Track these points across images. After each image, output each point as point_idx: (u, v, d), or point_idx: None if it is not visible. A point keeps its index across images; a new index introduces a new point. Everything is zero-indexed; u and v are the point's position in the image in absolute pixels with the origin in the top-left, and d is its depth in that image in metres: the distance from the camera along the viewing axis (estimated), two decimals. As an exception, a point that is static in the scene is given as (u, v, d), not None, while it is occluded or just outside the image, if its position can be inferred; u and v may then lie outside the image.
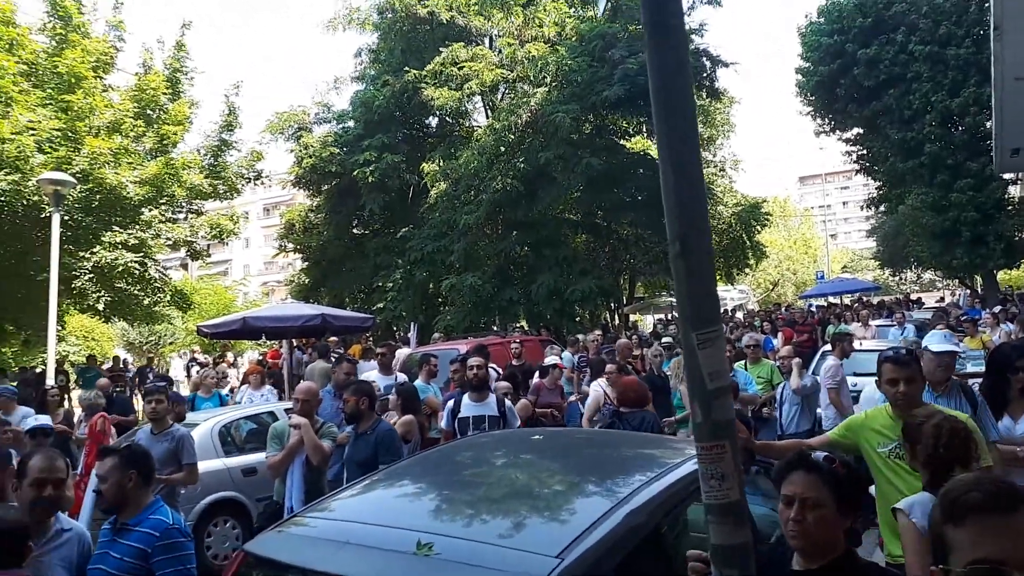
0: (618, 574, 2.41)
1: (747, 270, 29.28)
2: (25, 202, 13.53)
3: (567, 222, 22.48)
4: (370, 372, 8.45)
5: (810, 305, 27.97)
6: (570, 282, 18.96)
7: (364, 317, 15.47)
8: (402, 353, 12.16)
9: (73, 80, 15.06)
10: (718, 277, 28.15)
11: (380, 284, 22.03)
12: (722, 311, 28.43)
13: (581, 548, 2.40)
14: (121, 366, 19.98)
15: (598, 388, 7.35)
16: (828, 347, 9.63)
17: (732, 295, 37.64)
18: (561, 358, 10.17)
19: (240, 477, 7.84)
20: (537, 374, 8.72)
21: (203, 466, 7.19)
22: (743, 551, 1.25)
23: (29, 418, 6.23)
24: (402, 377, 8.56)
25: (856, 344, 9.66)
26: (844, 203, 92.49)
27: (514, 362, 9.75)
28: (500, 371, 8.76)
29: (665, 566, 2.78)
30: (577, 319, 20.99)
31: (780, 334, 13.54)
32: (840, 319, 16.31)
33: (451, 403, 6.36)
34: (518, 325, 21.79)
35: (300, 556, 2.68)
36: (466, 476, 3.63)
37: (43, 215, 13.06)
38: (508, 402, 6.37)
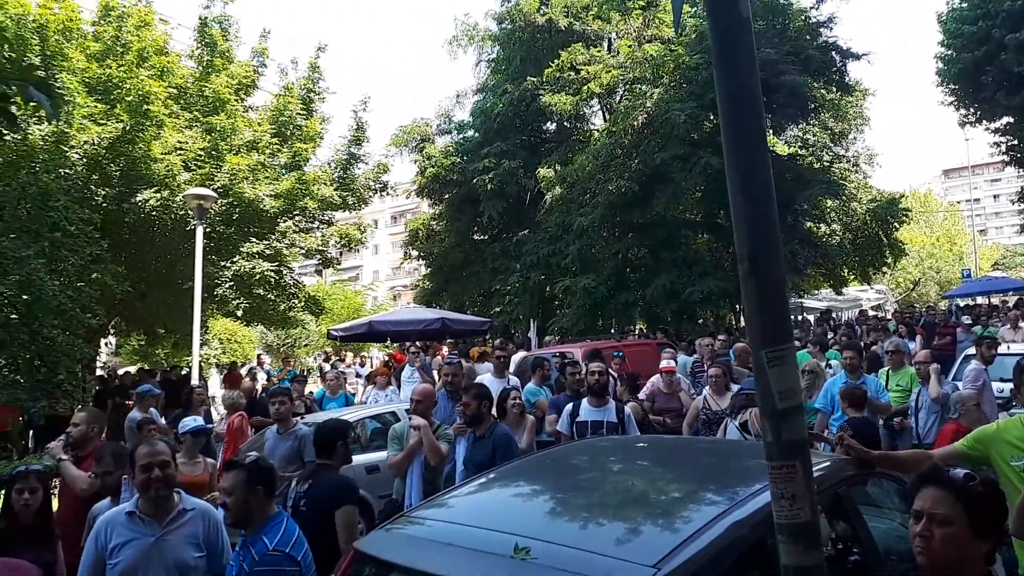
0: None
1: (885, 269, 27.69)
2: (173, 216, 14.64)
3: (687, 223, 22.08)
4: (484, 375, 8.61)
5: (953, 305, 26.07)
6: (689, 283, 18.58)
7: (482, 321, 15.81)
8: (518, 356, 12.33)
9: (217, 103, 16.22)
10: (853, 277, 26.78)
11: (498, 288, 22.42)
12: (857, 312, 27.14)
13: (679, 559, 2.36)
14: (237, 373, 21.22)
15: (704, 393, 7.21)
16: (971, 350, 9.00)
17: (869, 295, 35.61)
18: (676, 361, 10.01)
19: (364, 475, 8.18)
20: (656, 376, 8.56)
21: (329, 464, 7.59)
22: (815, 573, 1.23)
23: (187, 419, 6.79)
24: (514, 380, 8.67)
25: (1004, 348, 8.96)
26: (995, 196, 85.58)
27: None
28: (614, 374, 8.73)
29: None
30: (700, 321, 20.54)
31: (917, 337, 12.73)
32: (987, 320, 15.08)
33: (570, 406, 6.41)
34: (635, 327, 21.56)
35: (404, 555, 2.80)
36: (571, 481, 3.66)
37: (188, 228, 14.07)
38: (628, 409, 6.36)
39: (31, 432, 13.28)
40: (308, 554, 3.35)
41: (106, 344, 20.44)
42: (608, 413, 6.12)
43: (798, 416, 1.26)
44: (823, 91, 21.56)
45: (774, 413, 1.23)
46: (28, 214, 9.53)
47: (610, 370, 9.61)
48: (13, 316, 9.14)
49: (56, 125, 12.43)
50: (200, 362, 13.38)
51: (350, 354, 21.44)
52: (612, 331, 19.90)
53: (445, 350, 16.11)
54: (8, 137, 9.27)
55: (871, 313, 28.06)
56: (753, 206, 1.27)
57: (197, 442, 6.00)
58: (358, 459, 8.27)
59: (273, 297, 17.04)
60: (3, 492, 4.20)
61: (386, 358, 20.13)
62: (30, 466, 4.70)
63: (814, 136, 25.77)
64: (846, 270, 25.18)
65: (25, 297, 9.12)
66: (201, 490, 4.98)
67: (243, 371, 15.29)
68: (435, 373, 12.89)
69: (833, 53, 20.90)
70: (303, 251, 18.24)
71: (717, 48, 1.30)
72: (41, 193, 9.71)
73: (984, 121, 25.58)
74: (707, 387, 7.14)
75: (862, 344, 10.90)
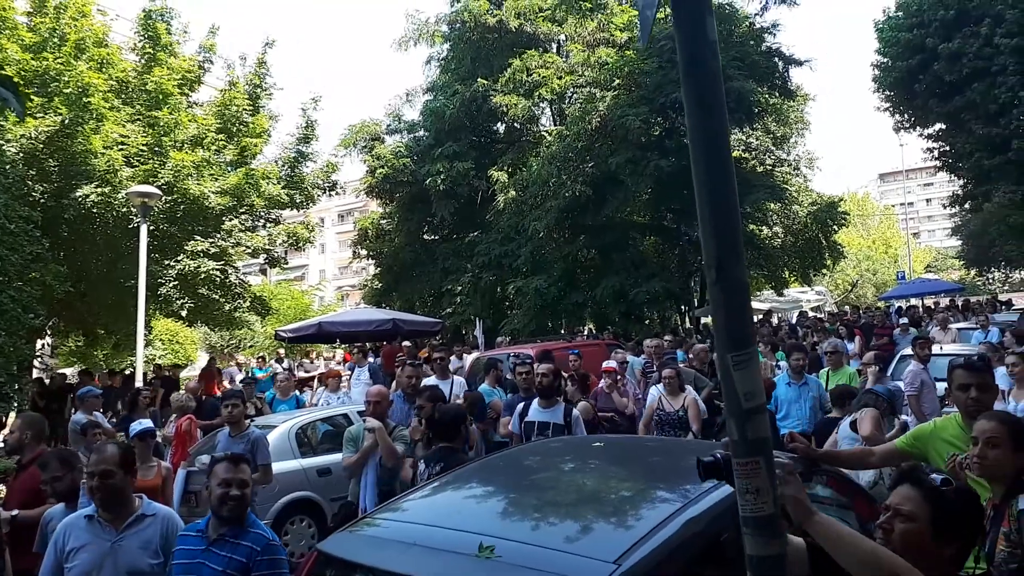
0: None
1: (824, 271, 28.51)
2: (115, 213, 14.28)
3: (635, 225, 22.40)
4: (428, 377, 8.62)
5: (891, 307, 27.02)
6: (636, 284, 18.88)
7: (433, 321, 15.80)
8: (470, 357, 12.38)
9: (160, 97, 15.86)
10: (793, 279, 27.51)
11: (449, 288, 22.42)
12: (798, 313, 27.83)
13: (639, 554, 2.44)
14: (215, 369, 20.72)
15: (654, 394, 7.33)
16: (907, 351, 9.36)
17: (809, 296, 36.61)
18: (628, 362, 10.18)
19: (316, 477, 8.13)
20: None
21: (280, 467, 7.52)
22: (777, 562, 1.33)
23: (134, 423, 6.67)
24: (459, 380, 8.71)
25: (936, 348, 9.34)
26: (927, 200, 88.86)
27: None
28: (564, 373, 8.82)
29: (727, 574, 2.81)
30: (646, 321, 20.87)
31: (856, 338, 13.17)
32: (922, 322, 15.69)
33: (520, 406, 6.47)
34: (584, 328, 21.80)
35: (369, 556, 2.82)
36: (529, 480, 3.72)
37: (131, 225, 13.75)
38: (576, 411, 6.45)
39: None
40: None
41: (43, 346, 19.76)
42: (556, 414, 6.20)
43: (761, 415, 1.34)
44: (767, 96, 22.12)
45: (740, 413, 1.32)
46: (-38, 211, 9.21)
47: (562, 372, 9.74)
48: (-53, 317, 8.83)
49: (-10, 120, 12.02)
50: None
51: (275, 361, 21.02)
52: (562, 332, 20.10)
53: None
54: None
55: (811, 314, 28.89)
56: (720, 216, 1.35)
57: (147, 445, 5.90)
58: (309, 462, 8.24)
59: (218, 297, 16.79)
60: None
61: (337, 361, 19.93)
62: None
63: (757, 140, 26.40)
64: (787, 272, 25.83)
65: (-40, 297, 8.81)
66: (153, 494, 4.88)
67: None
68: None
69: (776, 59, 21.43)
70: (249, 250, 17.99)
71: (685, 68, 1.37)
72: (-24, 190, 9.40)
73: (918, 127, 26.42)
74: (660, 388, 7.22)
75: (805, 345, 11.23)
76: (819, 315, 26.06)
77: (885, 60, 24.43)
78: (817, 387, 7.65)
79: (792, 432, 3.71)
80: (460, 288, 21.73)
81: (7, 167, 11.63)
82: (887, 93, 25.39)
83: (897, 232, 57.32)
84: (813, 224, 24.49)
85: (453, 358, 12.80)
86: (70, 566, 3.39)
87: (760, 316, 27.19)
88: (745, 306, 1.36)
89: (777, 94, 22.60)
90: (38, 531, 4.19)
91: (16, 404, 9.14)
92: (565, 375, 8.96)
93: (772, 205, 22.54)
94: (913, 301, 26.34)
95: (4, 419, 10.68)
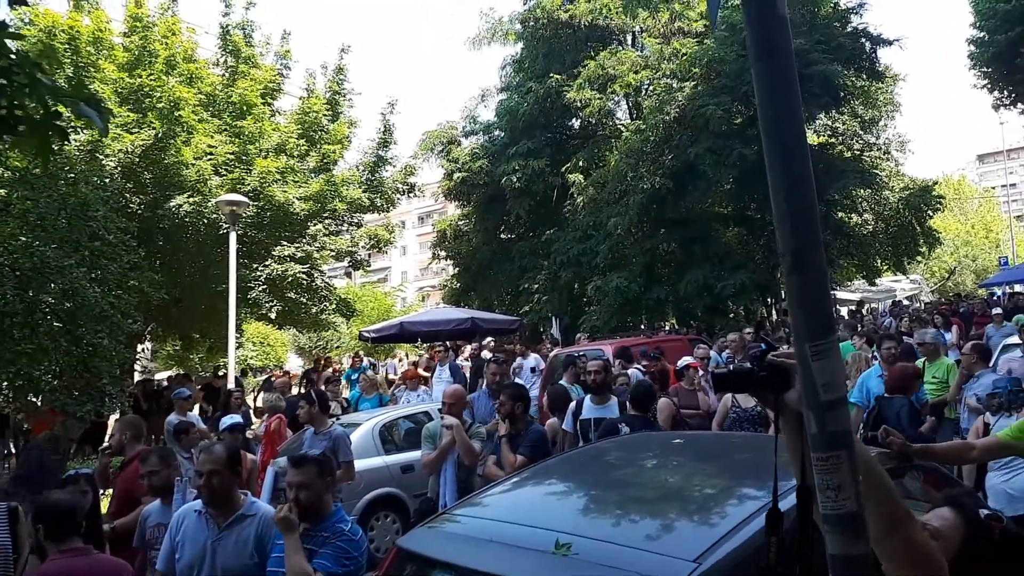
0: (758, 580, 2.38)
1: (919, 258, 27.22)
2: (206, 221, 14.88)
3: (717, 216, 21.90)
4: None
5: (993, 295, 25.52)
6: (721, 277, 18.44)
7: (511, 319, 15.84)
8: (551, 353, 12.35)
9: (244, 108, 16.46)
10: (886, 267, 26.36)
11: (526, 286, 22.45)
12: (892, 303, 26.66)
13: (720, 553, 2.38)
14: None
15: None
16: (1013, 339, 8.83)
17: (903, 285, 35.04)
18: (710, 357, 9.94)
19: (399, 474, 8.27)
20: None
21: (365, 463, 7.69)
22: (861, 561, 1.25)
23: (225, 418, 7.00)
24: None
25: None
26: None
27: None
28: (642, 370, 8.71)
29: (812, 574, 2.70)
30: (731, 315, 20.38)
31: (954, 328, 12.50)
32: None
33: (573, 404, 6.41)
34: (666, 323, 21.45)
35: (446, 552, 2.84)
36: (608, 477, 3.68)
37: (220, 232, 14.29)
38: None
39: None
40: (366, 552, 3.43)
41: (143, 350, 20.81)
42: (611, 410, 6.12)
43: (842, 408, 1.27)
44: (853, 79, 21.26)
45: (818, 405, 1.25)
46: (68, 224, 9.76)
47: (638, 368, 9.59)
48: (56, 324, 9.37)
49: (91, 135, 12.71)
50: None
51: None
52: (643, 328, 19.84)
53: (468, 349, 16.18)
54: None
55: (905, 303, 27.63)
56: (794, 200, 1.28)
57: (235, 439, 6.12)
58: (393, 459, 8.40)
59: (305, 300, 17.26)
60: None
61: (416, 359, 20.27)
62: (79, 470, 4.85)
63: (844, 124, 25.37)
64: (879, 260, 24.78)
65: (68, 305, 9.34)
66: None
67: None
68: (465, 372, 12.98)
69: (863, 39, 20.56)
70: (333, 253, 18.46)
71: (755, 48, 1.31)
72: (80, 204, 9.95)
73: (1019, 103, 25.00)
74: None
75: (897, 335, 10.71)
76: (914, 304, 24.92)
77: (981, 34, 23.11)
78: (915, 380, 7.26)
79: (886, 427, 3.55)
80: (537, 286, 21.75)
81: (106, 181, 12.28)
82: (984, 69, 24.03)
83: (998, 215, 54.11)
84: (906, 210, 23.39)
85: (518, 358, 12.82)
86: (178, 557, 3.55)
87: (851, 307, 26.28)
88: (823, 292, 1.29)
89: (865, 76, 21.66)
90: (136, 528, 4.41)
91: (119, 405, 9.66)
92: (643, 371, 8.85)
93: (861, 191, 21.63)
94: (1017, 288, 24.83)
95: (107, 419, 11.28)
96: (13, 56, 2.65)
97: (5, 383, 10.21)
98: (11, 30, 2.74)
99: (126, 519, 4.81)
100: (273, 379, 12.21)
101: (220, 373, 16.99)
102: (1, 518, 4.17)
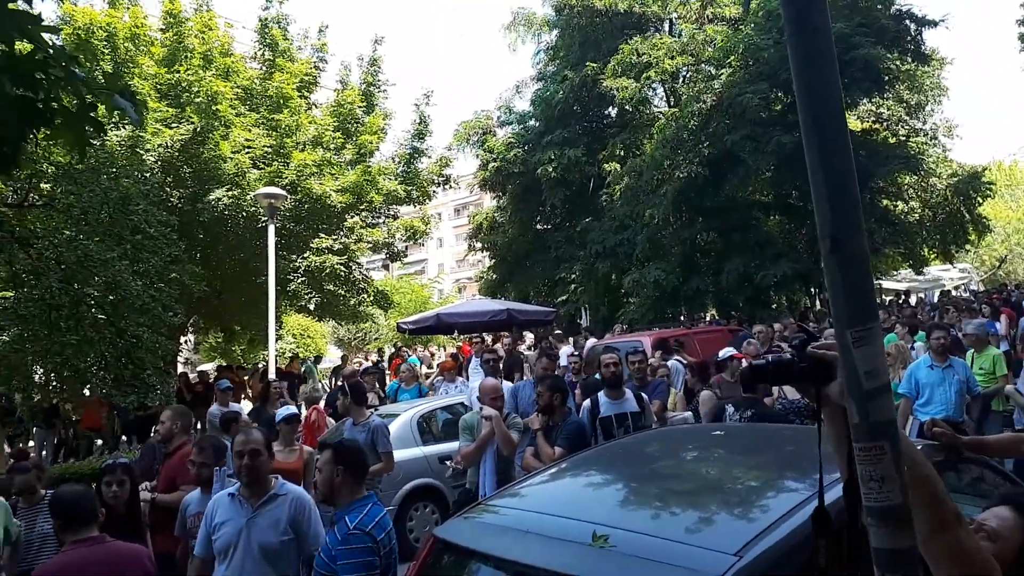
0: (801, 574, 2.32)
1: (968, 247, 26.50)
2: (244, 214, 15.08)
3: (757, 204, 21.57)
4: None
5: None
6: (762, 267, 18.15)
7: (547, 310, 15.79)
8: (588, 345, 12.29)
9: (281, 101, 16.62)
10: (934, 256, 25.72)
11: (563, 276, 22.38)
12: (940, 292, 26.02)
13: (762, 546, 2.32)
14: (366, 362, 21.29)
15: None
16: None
17: (952, 275, 34.14)
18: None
19: (437, 464, 8.28)
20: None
21: (404, 454, 7.73)
22: (906, 556, 1.20)
23: (280, 408, 7.09)
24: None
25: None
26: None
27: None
28: (682, 361, 8.62)
29: (855, 567, 2.64)
30: (773, 306, 20.07)
31: (1003, 317, 12.12)
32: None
33: (588, 403, 6.28)
34: (707, 315, 21.22)
35: (483, 543, 2.83)
36: (647, 469, 3.63)
37: (259, 225, 14.47)
38: (644, 395, 6.28)
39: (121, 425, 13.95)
40: (391, 536, 3.51)
41: (185, 342, 21.23)
42: (628, 404, 6.01)
43: (885, 396, 1.21)
44: (897, 62, 20.72)
45: (861, 394, 1.20)
46: (111, 218, 9.96)
47: (678, 358, 9.48)
48: (100, 316, 9.59)
49: (131, 130, 12.95)
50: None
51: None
52: (682, 319, 19.64)
53: (505, 341, 16.19)
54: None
55: (954, 293, 26.93)
56: (833, 182, 1.23)
57: (292, 429, 6.21)
58: (431, 450, 8.43)
59: (343, 292, 17.43)
60: (95, 485, 4.46)
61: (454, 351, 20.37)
62: (118, 459, 4.96)
63: (888, 109, 24.73)
64: (926, 249, 24.17)
65: (111, 298, 9.55)
66: (294, 476, 5.17)
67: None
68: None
69: (907, 21, 20.05)
70: (370, 245, 18.59)
71: (790, 26, 1.26)
72: (122, 198, 10.14)
73: (1074, 86, 24.18)
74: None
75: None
76: (962, 294, 24.26)
77: (1033, 13, 22.30)
78: (963, 369, 6.99)
79: (934, 418, 3.44)
80: (573, 276, 21.68)
81: (147, 175, 12.50)
82: (1036, 50, 23.19)
83: (1052, 201, 52.37)
84: (954, 197, 22.78)
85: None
86: (216, 538, 3.73)
87: (894, 296, 25.70)
88: (865, 277, 1.24)
89: (909, 59, 21.11)
90: (178, 516, 4.50)
91: (162, 397, 9.85)
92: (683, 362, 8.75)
93: (907, 177, 21.13)
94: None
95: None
96: (51, 50, 2.70)
97: (53, 374, 10.50)
98: (46, 23, 2.79)
99: (167, 497, 5.02)
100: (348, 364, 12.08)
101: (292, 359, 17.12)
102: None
